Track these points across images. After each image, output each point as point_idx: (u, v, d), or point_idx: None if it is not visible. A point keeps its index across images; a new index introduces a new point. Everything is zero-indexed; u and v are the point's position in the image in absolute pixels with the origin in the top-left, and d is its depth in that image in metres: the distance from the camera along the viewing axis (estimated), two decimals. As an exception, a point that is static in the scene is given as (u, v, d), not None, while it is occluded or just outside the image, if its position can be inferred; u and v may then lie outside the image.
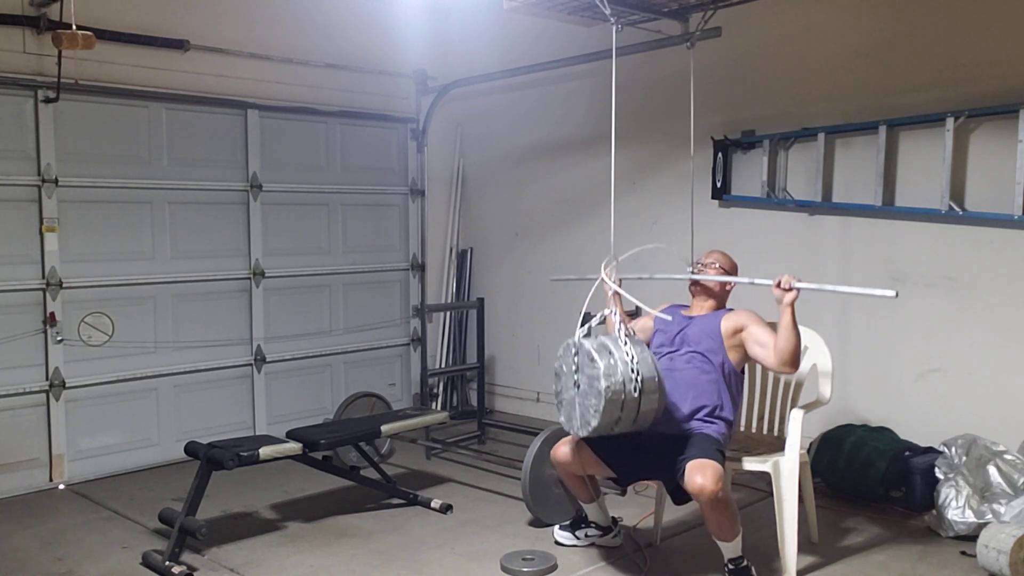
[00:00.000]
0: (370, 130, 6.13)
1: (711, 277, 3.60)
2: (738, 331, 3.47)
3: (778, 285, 3.27)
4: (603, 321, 3.41)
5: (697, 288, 3.63)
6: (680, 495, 3.34)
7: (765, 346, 3.35)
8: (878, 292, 3.13)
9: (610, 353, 3.05)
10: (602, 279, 3.50)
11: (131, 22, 4.91)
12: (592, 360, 3.03)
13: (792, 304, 3.24)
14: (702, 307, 3.62)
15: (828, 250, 4.80)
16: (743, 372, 3.64)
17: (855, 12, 4.64)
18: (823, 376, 3.81)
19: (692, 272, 3.67)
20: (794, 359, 3.28)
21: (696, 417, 3.42)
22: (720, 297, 3.64)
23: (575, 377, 3.11)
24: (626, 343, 3.09)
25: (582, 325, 3.26)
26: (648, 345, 3.75)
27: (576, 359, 3.11)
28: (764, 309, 3.56)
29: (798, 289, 3.24)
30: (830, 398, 3.79)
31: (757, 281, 3.38)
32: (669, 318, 3.55)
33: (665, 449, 3.32)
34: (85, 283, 4.85)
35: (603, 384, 2.98)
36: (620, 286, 3.53)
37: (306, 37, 5.69)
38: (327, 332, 5.95)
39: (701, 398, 3.43)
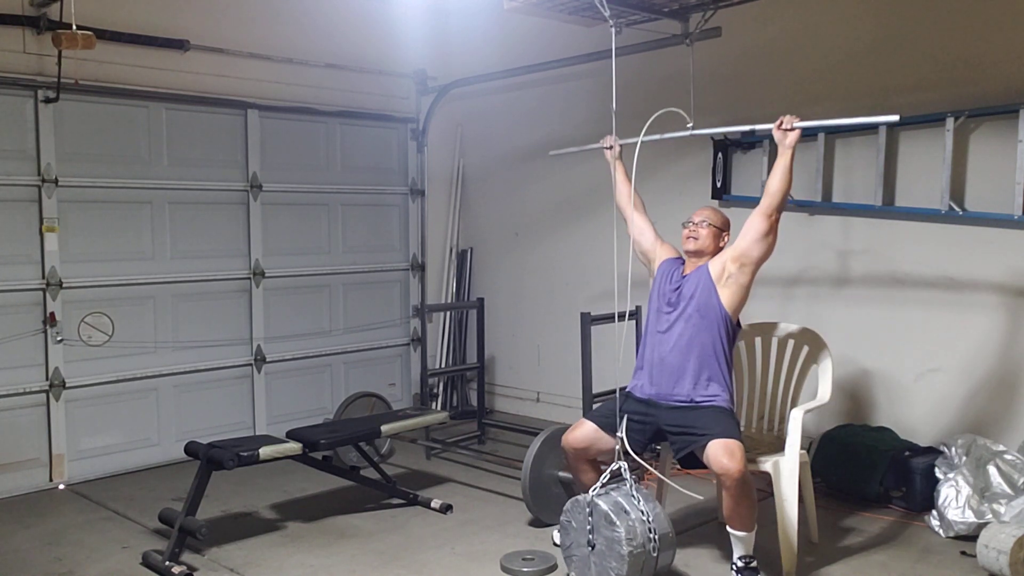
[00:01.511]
0: (370, 130, 6.13)
1: (708, 131, 3.67)
2: (724, 262, 3.50)
3: (779, 126, 3.37)
4: (626, 476, 3.31)
5: (691, 248, 3.62)
6: (690, 461, 3.39)
7: (747, 228, 3.46)
8: (880, 119, 3.18)
9: (626, 512, 3.08)
10: (603, 148, 3.86)
11: (131, 22, 4.91)
12: (612, 523, 3.06)
13: (793, 146, 3.37)
14: (695, 264, 3.62)
15: (828, 250, 4.80)
16: (739, 325, 3.61)
17: (855, 12, 4.64)
18: (823, 376, 3.82)
19: (685, 226, 3.66)
20: (783, 199, 3.43)
21: (701, 379, 3.45)
22: (714, 255, 3.61)
23: (589, 536, 3.12)
24: (638, 500, 3.13)
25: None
26: (647, 260, 3.80)
27: (591, 518, 3.12)
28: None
29: (800, 128, 3.34)
30: (830, 398, 3.79)
31: (758, 128, 3.44)
32: (675, 254, 3.75)
33: (679, 422, 3.39)
34: (85, 283, 4.85)
35: (626, 549, 3.01)
36: (621, 153, 3.88)
37: (306, 37, 5.69)
38: (327, 332, 5.95)
39: (702, 360, 3.46)
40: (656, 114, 3.51)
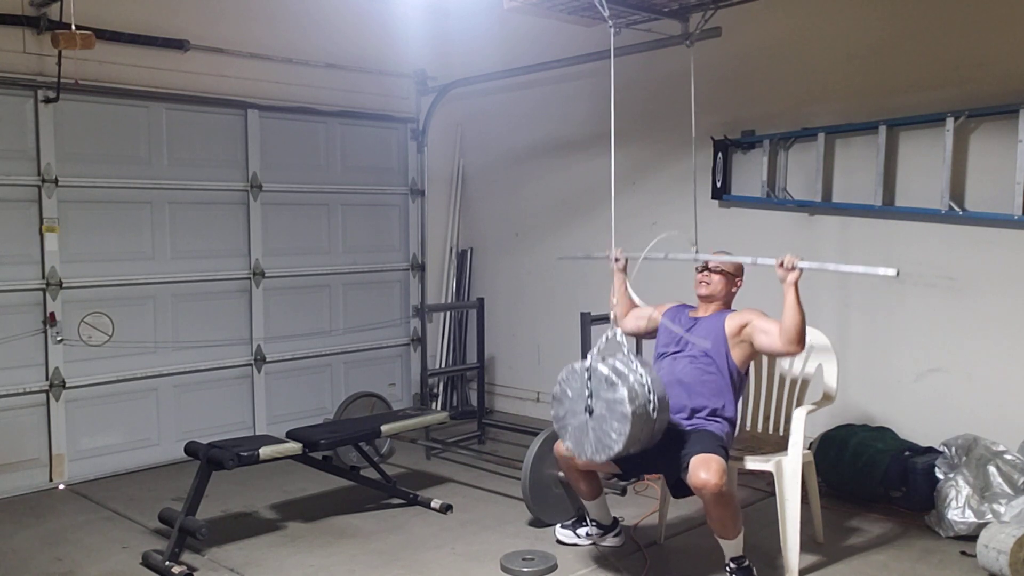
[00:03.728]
0: (370, 130, 6.13)
1: (716, 257, 3.62)
2: (742, 327, 3.49)
3: (780, 265, 3.31)
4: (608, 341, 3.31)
5: (703, 292, 3.63)
6: (680, 489, 3.36)
7: (770, 333, 3.39)
8: (880, 271, 3.16)
9: (625, 375, 3.06)
10: (608, 257, 3.78)
11: (131, 22, 4.91)
12: (612, 384, 3.03)
13: (795, 284, 3.28)
14: (707, 309, 3.63)
15: (828, 250, 4.79)
16: (747, 374, 3.64)
17: (855, 12, 4.64)
18: (828, 376, 3.81)
19: (697, 268, 3.67)
20: (800, 337, 3.31)
21: (699, 415, 3.45)
22: (725, 299, 3.64)
23: (588, 402, 3.10)
24: (633, 362, 3.10)
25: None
26: (650, 334, 3.79)
27: (589, 383, 3.10)
28: (770, 310, 3.56)
29: (801, 268, 3.28)
30: (834, 398, 3.79)
31: (760, 261, 3.42)
32: (675, 303, 3.71)
33: (668, 444, 3.35)
34: (85, 283, 4.85)
35: (628, 408, 2.98)
36: (627, 265, 3.80)
37: (306, 37, 5.69)
38: (327, 332, 5.95)
39: (704, 398, 3.46)
40: (659, 237, 3.48)
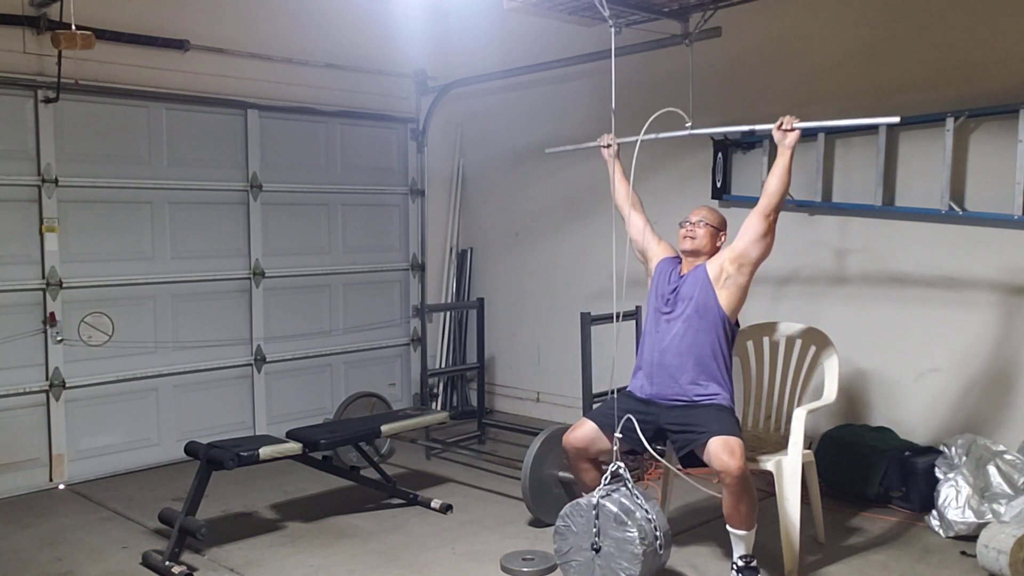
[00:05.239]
0: (370, 130, 6.13)
1: (706, 131, 3.68)
2: (722, 264, 3.50)
3: (779, 127, 3.39)
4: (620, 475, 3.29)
5: (688, 247, 3.61)
6: (689, 460, 3.40)
7: (745, 230, 3.47)
8: (881, 120, 3.18)
9: (633, 513, 3.08)
10: (600, 146, 3.91)
11: (131, 22, 4.91)
12: (623, 523, 3.05)
13: (792, 147, 3.39)
14: (692, 264, 3.61)
15: (828, 250, 4.80)
16: (737, 324, 3.60)
17: (855, 12, 4.64)
18: (829, 376, 3.82)
19: (680, 223, 3.65)
20: (780, 203, 3.45)
21: (700, 379, 3.45)
22: (711, 254, 3.60)
23: (595, 540, 3.10)
24: (639, 497, 3.13)
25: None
26: (645, 258, 3.80)
27: (597, 521, 3.11)
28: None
29: (800, 129, 3.36)
30: (835, 398, 3.79)
31: (758, 128, 3.45)
32: (672, 253, 3.73)
33: (679, 421, 3.39)
34: (85, 283, 4.85)
35: (640, 549, 3.01)
36: (619, 152, 3.93)
37: (306, 37, 5.69)
38: (327, 332, 5.95)
39: (701, 360, 3.46)
40: (655, 114, 3.52)
